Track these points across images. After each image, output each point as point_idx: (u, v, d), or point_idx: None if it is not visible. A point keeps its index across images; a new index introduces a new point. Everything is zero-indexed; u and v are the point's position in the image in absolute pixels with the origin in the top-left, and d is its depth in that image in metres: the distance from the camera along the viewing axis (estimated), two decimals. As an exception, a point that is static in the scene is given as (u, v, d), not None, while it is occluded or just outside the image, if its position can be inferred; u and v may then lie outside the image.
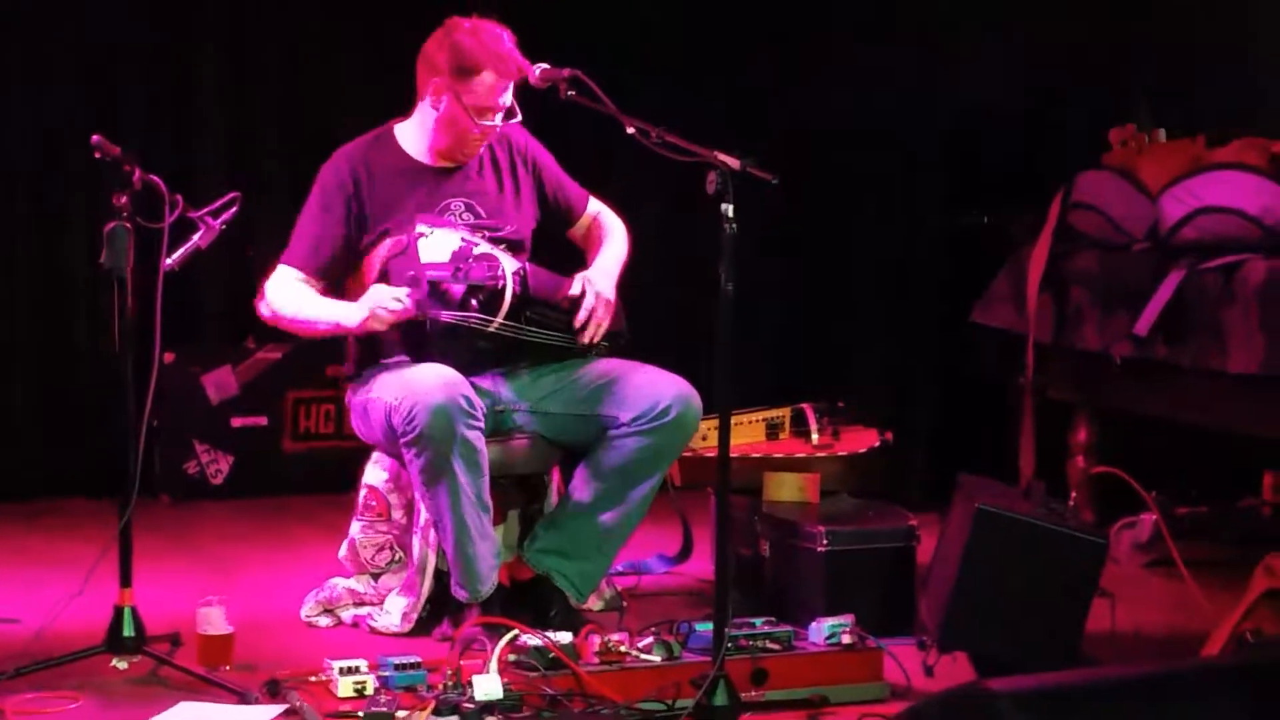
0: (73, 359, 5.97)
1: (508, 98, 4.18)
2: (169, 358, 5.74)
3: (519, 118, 4.22)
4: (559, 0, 5.99)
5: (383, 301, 4.05)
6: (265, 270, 4.25)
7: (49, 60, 5.90)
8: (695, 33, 6.29)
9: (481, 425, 4.02)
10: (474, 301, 4.06)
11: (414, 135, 4.27)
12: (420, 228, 4.11)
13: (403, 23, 4.55)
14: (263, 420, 5.99)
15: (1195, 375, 4.74)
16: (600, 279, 4.23)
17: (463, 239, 4.10)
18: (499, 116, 4.18)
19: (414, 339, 4.14)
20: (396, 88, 4.35)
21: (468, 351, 4.13)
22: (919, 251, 6.07)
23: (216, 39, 6.08)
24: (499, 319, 4.09)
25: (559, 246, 4.47)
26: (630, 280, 4.35)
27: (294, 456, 6.03)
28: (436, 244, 4.08)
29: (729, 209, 3.48)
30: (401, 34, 4.43)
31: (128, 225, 3.70)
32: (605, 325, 4.22)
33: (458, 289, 4.05)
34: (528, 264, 4.19)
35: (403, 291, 4.05)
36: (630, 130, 3.70)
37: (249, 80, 6.14)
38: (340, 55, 6.19)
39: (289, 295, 4.18)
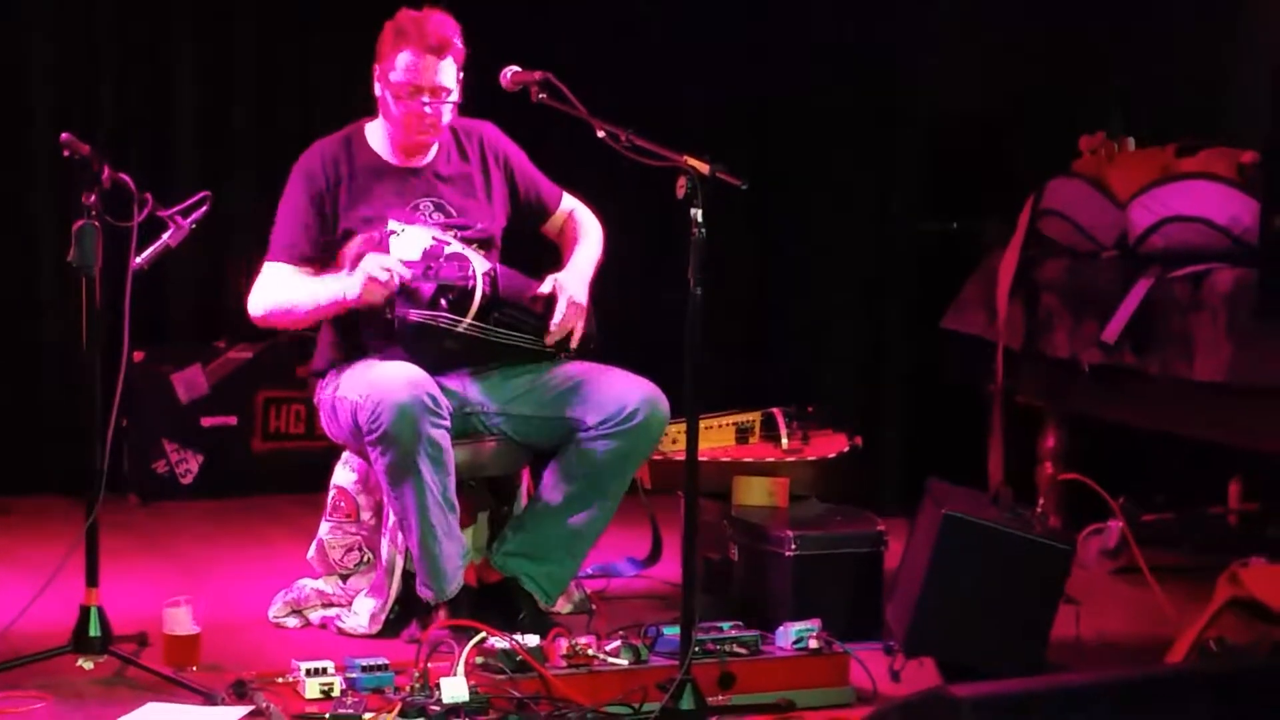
0: (41, 357, 5.94)
1: (443, 79, 4.13)
2: (138, 357, 5.72)
3: (456, 98, 4.16)
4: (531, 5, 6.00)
5: (373, 271, 4.01)
6: (247, 272, 4.23)
7: (20, 56, 5.88)
8: (669, 36, 6.29)
9: (447, 424, 4.01)
10: (443, 301, 4.04)
11: (379, 135, 4.26)
12: (392, 225, 4.10)
13: (375, 22, 4.54)
14: (233, 420, 5.97)
15: (1163, 383, 4.75)
16: (572, 282, 4.22)
17: (434, 238, 4.09)
18: (442, 107, 4.12)
19: (381, 337, 4.13)
20: (367, 87, 4.34)
21: (435, 351, 4.11)
22: (889, 257, 6.07)
23: (189, 39, 6.05)
24: (467, 319, 4.08)
25: (533, 246, 4.46)
26: (599, 281, 4.34)
27: (264, 456, 6.01)
28: (408, 242, 4.08)
29: (698, 214, 3.48)
30: (373, 33, 4.42)
31: (96, 224, 3.69)
32: (576, 330, 4.21)
33: (427, 288, 4.03)
34: (498, 265, 4.18)
35: (395, 260, 4.02)
36: (600, 134, 3.70)
37: (221, 80, 6.11)
38: (312, 55, 6.16)
39: (284, 289, 4.15)
